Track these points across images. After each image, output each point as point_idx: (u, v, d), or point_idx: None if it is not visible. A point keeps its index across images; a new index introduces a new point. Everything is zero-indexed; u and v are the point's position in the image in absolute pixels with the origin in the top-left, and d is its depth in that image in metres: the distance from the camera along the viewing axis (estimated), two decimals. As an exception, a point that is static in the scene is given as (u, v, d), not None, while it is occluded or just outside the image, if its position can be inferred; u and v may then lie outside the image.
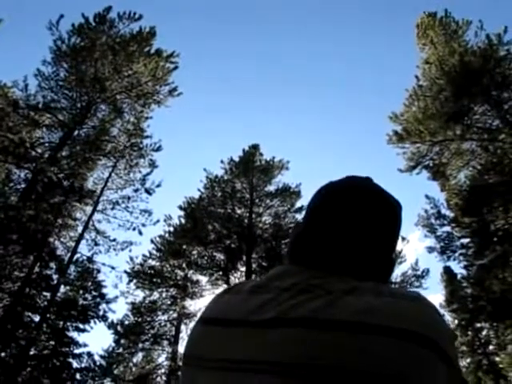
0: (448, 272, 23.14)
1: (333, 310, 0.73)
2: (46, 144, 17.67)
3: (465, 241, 16.66)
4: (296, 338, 0.71)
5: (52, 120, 17.71)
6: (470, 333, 22.22)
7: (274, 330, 0.74)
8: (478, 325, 21.12)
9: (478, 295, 16.32)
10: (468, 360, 22.22)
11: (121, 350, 20.30)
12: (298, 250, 0.94)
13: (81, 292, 19.13)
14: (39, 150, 17.22)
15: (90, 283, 19.28)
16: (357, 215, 0.92)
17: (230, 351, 0.76)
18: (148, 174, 19.61)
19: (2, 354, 15.61)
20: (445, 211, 17.24)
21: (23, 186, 16.64)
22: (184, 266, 22.17)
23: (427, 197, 17.61)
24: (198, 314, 0.92)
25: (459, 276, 19.95)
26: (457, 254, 16.82)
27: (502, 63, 15.95)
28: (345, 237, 0.89)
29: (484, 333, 22.13)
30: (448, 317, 21.83)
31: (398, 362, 0.66)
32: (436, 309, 0.79)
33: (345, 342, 0.68)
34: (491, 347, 21.68)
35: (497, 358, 20.52)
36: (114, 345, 20.08)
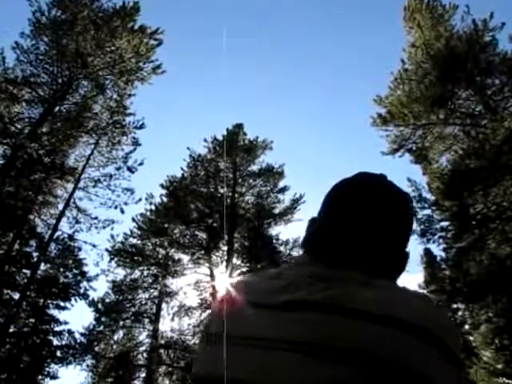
0: (427, 254, 23.55)
1: (350, 298, 0.77)
2: (26, 119, 17.30)
3: (444, 224, 16.91)
4: (314, 320, 0.76)
5: (32, 95, 17.33)
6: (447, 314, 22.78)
7: (293, 313, 0.79)
8: (455, 306, 21.64)
9: (456, 277, 16.64)
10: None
11: (101, 327, 20.35)
12: (315, 246, 0.98)
13: (61, 270, 19.02)
14: (19, 126, 16.88)
15: (70, 261, 19.15)
16: (370, 212, 0.95)
17: (255, 330, 0.81)
18: (131, 152, 19.34)
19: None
20: (426, 194, 17.44)
21: (2, 162, 16.31)
22: (166, 244, 22.21)
23: (409, 180, 17.76)
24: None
25: (438, 258, 20.33)
26: (436, 237, 17.07)
27: (487, 49, 16.00)
28: (359, 233, 0.93)
29: (460, 313, 22.69)
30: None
31: (408, 356, 0.70)
32: (446, 310, 0.83)
33: (360, 328, 0.73)
34: (466, 327, 22.27)
35: (471, 338, 21.09)
36: (94, 322, 20.14)
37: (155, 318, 21.01)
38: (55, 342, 18.14)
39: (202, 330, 0.91)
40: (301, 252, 1.03)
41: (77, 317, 21.42)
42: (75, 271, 19.28)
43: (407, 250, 1.02)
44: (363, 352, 0.70)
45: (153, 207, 22.41)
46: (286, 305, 0.81)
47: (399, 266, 1.00)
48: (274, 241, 22.81)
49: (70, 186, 18.61)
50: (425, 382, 0.70)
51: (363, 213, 0.95)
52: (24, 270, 17.52)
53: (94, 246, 18.61)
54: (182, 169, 23.47)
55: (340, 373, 0.69)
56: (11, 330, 16.83)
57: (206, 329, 0.94)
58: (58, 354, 17.95)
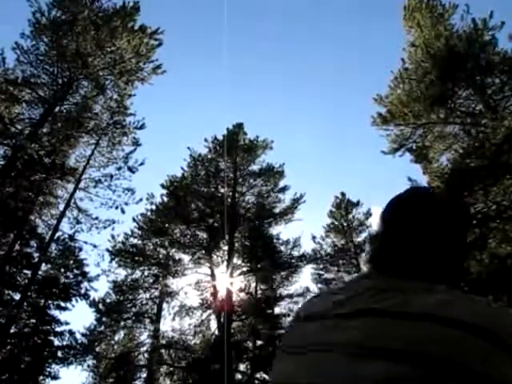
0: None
1: (409, 304, 0.84)
2: (26, 120, 17.31)
3: (445, 223, 16.89)
4: (375, 325, 0.83)
5: (32, 95, 17.34)
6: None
7: (355, 320, 0.86)
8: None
9: (456, 276, 16.64)
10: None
11: (103, 328, 20.34)
12: (377, 261, 1.06)
13: (62, 270, 19.03)
14: (19, 126, 16.89)
15: (71, 261, 19.17)
16: (425, 225, 1.02)
17: (321, 338, 0.89)
18: (131, 152, 19.40)
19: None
20: (426, 194, 17.40)
21: (2, 162, 16.31)
22: (166, 244, 22.19)
23: (409, 179, 17.73)
24: (297, 312, 1.08)
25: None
26: (437, 236, 17.05)
27: (487, 48, 15.99)
28: (415, 246, 1.00)
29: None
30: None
31: (469, 356, 0.73)
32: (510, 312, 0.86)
33: (419, 329, 0.78)
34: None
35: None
36: (95, 323, 20.14)
37: (156, 318, 21.00)
38: (56, 343, 18.21)
39: (282, 341, 1.04)
40: (366, 267, 1.11)
41: (78, 317, 21.50)
42: (76, 271, 19.30)
43: (464, 260, 1.08)
44: (422, 352, 0.74)
45: (153, 207, 22.42)
46: (349, 314, 0.89)
47: (457, 275, 1.04)
48: (275, 240, 22.85)
49: (71, 187, 18.64)
50: (485, 382, 0.72)
51: (418, 226, 1.02)
52: (25, 271, 17.56)
53: (95, 246, 18.65)
54: (182, 168, 23.52)
55: (399, 372, 0.74)
56: (12, 331, 16.83)
57: (284, 341, 1.03)
58: (59, 354, 18.00)
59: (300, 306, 1.09)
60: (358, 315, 0.87)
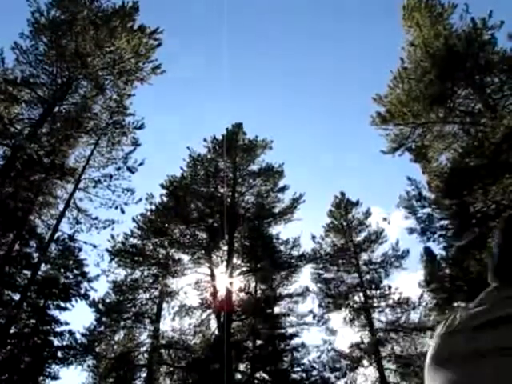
0: (427, 253, 23.56)
1: None
2: (26, 120, 17.32)
3: (444, 222, 16.94)
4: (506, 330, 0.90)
5: (31, 96, 17.34)
6: (446, 311, 22.75)
7: (494, 328, 0.93)
8: (455, 304, 21.63)
9: (456, 275, 16.67)
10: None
11: (102, 328, 20.30)
12: (498, 274, 1.12)
13: (62, 270, 18.99)
14: (18, 127, 16.90)
15: (71, 261, 19.12)
16: None
17: (472, 347, 0.95)
18: (130, 152, 19.41)
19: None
20: (426, 193, 17.44)
21: (1, 162, 16.31)
22: (166, 244, 22.18)
23: (409, 179, 17.76)
24: None
25: (438, 257, 20.33)
26: (436, 235, 17.10)
27: (486, 47, 16.01)
28: None
29: (460, 312, 22.61)
30: (427, 296, 22.33)
31: None
32: None
33: None
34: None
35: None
36: (95, 323, 20.09)
37: (156, 318, 20.99)
38: (56, 343, 18.16)
39: (431, 355, 1.10)
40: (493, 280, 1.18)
41: (77, 317, 21.44)
42: (76, 272, 19.26)
43: None
44: None
45: (153, 207, 22.40)
46: (486, 324, 0.96)
47: None
48: (274, 240, 22.85)
49: (70, 187, 18.64)
50: None
51: None
52: (24, 271, 17.52)
53: (95, 246, 18.65)
54: (181, 168, 23.53)
55: None
56: (12, 331, 16.81)
57: (433, 356, 1.07)
58: (59, 354, 17.95)
59: (445, 324, 1.15)
60: (498, 323, 0.93)
